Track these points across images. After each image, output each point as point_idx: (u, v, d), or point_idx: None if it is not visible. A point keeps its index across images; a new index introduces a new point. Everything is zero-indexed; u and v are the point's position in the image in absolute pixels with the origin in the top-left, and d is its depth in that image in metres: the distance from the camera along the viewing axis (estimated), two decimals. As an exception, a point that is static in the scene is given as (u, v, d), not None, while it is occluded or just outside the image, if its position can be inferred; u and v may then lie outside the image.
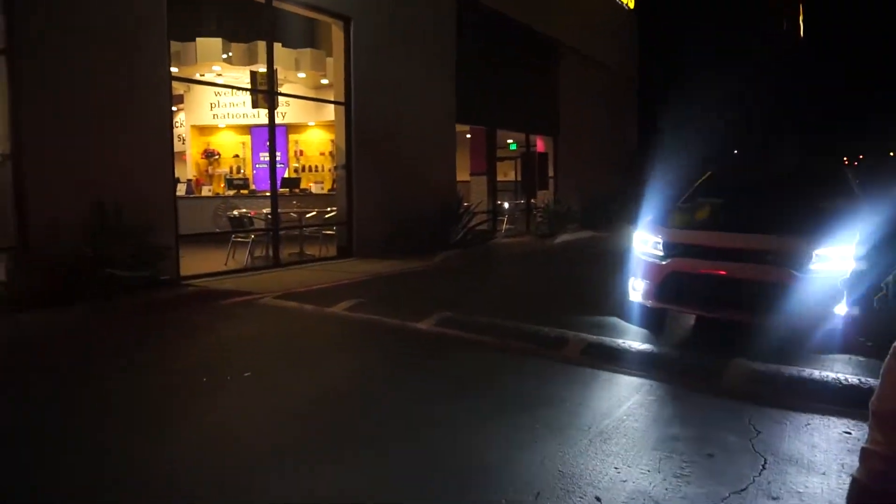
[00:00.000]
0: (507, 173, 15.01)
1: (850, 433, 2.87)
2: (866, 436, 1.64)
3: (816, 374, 3.66)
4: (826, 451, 2.72)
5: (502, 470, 2.52)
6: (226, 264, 7.67)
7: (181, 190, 9.73)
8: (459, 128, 11.55)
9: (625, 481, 2.43)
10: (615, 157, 17.50)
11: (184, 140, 12.31)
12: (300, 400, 3.39)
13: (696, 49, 26.15)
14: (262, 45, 9.09)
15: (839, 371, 3.74)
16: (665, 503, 2.27)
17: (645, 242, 4.98)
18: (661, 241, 4.88)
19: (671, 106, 22.73)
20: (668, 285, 4.77)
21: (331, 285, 6.75)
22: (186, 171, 12.18)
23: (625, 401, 3.31)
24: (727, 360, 3.81)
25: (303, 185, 11.36)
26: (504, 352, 4.22)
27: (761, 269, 4.41)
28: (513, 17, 12.38)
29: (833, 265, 4.18)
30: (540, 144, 14.87)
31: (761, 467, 2.54)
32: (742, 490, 2.36)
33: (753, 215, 4.90)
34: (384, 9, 9.30)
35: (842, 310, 4.11)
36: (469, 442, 2.81)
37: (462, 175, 12.39)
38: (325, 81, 11.00)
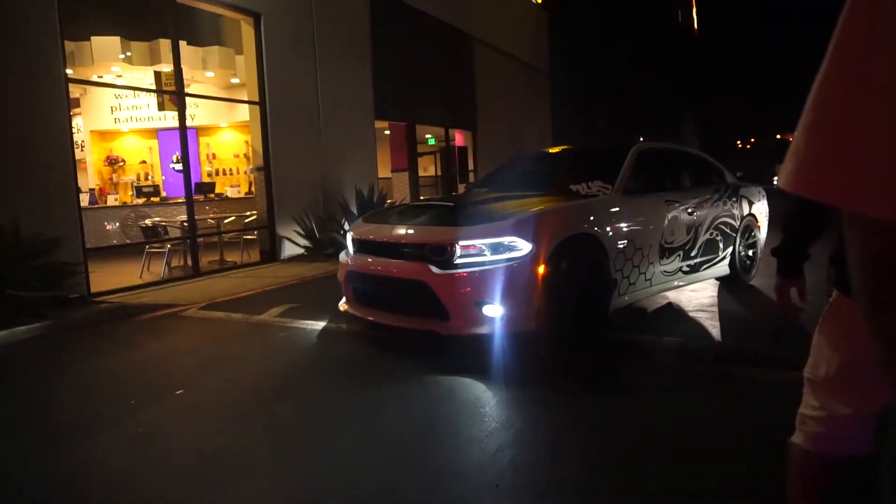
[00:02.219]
0: (428, 168, 15.06)
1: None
2: (802, 401, 1.75)
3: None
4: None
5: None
6: (141, 277, 7.24)
7: (84, 200, 9.09)
8: (379, 124, 11.46)
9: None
10: (532, 148, 17.93)
11: (83, 147, 11.51)
12: (239, 416, 3.24)
13: (601, 42, 27.15)
14: (165, 44, 8.64)
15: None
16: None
17: (349, 240, 4.64)
18: (352, 237, 4.59)
19: (581, 99, 23.52)
20: (350, 288, 4.45)
21: (257, 292, 6.52)
22: (88, 180, 11.39)
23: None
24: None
25: (218, 190, 10.91)
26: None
27: (405, 266, 3.97)
28: (426, 12, 12.40)
29: (485, 259, 3.73)
30: (459, 138, 15.01)
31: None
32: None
33: (451, 204, 4.49)
34: (296, 4, 9.05)
35: (494, 311, 3.70)
36: (414, 425, 2.79)
37: (384, 172, 12.31)
38: (235, 80, 10.59)
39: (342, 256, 4.67)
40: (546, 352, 3.98)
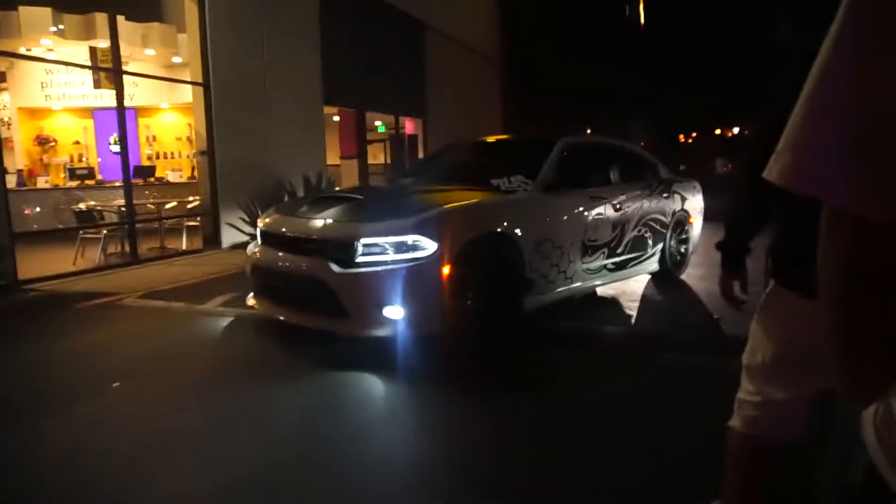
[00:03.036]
0: (377, 156, 14.91)
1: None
2: (739, 387, 1.82)
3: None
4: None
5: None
6: (74, 264, 6.90)
7: (11, 182, 8.59)
8: (328, 110, 11.25)
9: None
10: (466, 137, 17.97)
11: (9, 125, 10.86)
12: (177, 406, 3.14)
13: (552, 35, 27.43)
14: (101, 18, 8.22)
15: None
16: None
17: (258, 232, 4.47)
18: (260, 228, 4.42)
19: (533, 90, 23.73)
20: (256, 282, 4.30)
21: (200, 280, 6.31)
22: (15, 160, 10.76)
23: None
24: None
25: (159, 174, 10.49)
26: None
27: (306, 262, 3.80)
28: (377, -4, 12.21)
29: (388, 258, 3.57)
30: (409, 126, 14.90)
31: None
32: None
33: (362, 198, 4.30)
34: (241, -18, 8.74)
35: (396, 313, 3.54)
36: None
37: (333, 159, 12.11)
38: (177, 60, 10.17)
39: (250, 248, 4.47)
40: (453, 354, 3.76)
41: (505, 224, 4.02)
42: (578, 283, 4.66)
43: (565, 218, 4.48)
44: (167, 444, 2.69)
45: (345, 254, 3.63)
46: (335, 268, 3.60)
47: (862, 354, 0.69)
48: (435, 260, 3.57)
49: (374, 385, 3.47)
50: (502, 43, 20.44)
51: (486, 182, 4.55)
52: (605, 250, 4.83)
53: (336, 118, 12.79)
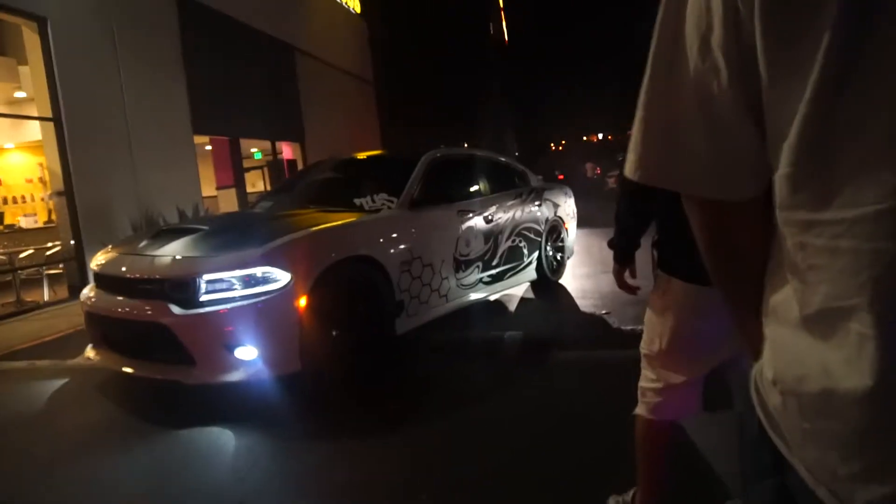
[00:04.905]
0: (256, 184, 14.38)
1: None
2: (640, 376, 1.93)
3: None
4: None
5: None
6: (-90, 330, 6.02)
7: None
8: (199, 139, 10.71)
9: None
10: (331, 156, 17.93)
11: None
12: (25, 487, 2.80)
13: (420, 54, 28.02)
14: (-76, 53, 7.30)
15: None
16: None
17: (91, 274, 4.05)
18: (92, 270, 3.98)
19: (407, 109, 24.06)
20: (91, 332, 3.85)
21: (68, 332, 5.73)
22: None
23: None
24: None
25: (9, 221, 9.47)
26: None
27: (144, 306, 3.38)
28: (242, 21, 11.85)
29: (235, 294, 3.23)
30: (287, 151, 14.54)
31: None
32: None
33: (206, 228, 3.90)
34: (89, 6, 8.12)
35: (248, 354, 3.20)
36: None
37: (209, 190, 11.53)
38: (21, 94, 9.25)
39: (84, 293, 3.98)
40: (317, 392, 3.50)
41: (367, 246, 3.80)
42: (455, 300, 4.53)
43: (433, 234, 4.34)
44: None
45: (186, 293, 3.25)
46: (176, 309, 3.22)
47: (746, 316, 0.77)
48: (288, 292, 3.26)
49: (222, 438, 3.10)
50: (375, 63, 20.58)
51: (348, 202, 4.35)
52: (480, 264, 4.74)
53: (208, 147, 12.20)
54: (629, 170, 0.79)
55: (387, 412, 3.24)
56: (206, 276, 3.24)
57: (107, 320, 3.62)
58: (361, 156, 5.54)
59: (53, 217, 8.79)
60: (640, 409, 1.88)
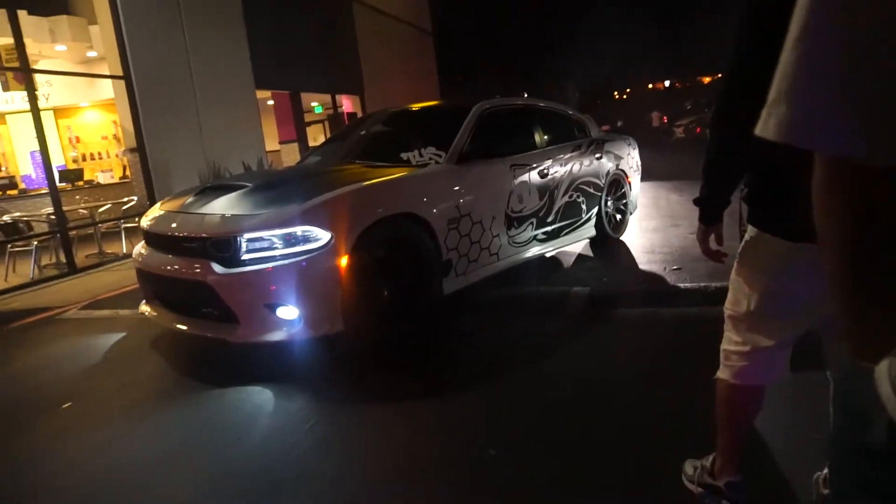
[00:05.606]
0: (317, 138, 14.52)
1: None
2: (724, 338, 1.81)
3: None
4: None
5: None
6: (6, 280, 6.46)
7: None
8: (261, 94, 10.83)
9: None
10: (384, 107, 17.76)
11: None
12: (134, 422, 2.96)
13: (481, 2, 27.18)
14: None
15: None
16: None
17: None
18: (142, 227, 3.99)
19: (466, 58, 23.53)
20: (143, 289, 3.92)
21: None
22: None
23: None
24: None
25: (88, 177, 9.94)
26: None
27: (188, 264, 3.38)
28: (299, -28, 11.74)
29: (276, 253, 3.19)
30: (347, 104, 14.55)
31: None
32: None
33: (250, 185, 3.80)
34: (153, -35, 8.21)
35: (290, 313, 3.19)
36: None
37: (272, 144, 11.73)
38: (93, 54, 9.56)
39: (135, 250, 4.03)
40: (361, 352, 3.49)
41: (411, 203, 3.65)
42: (507, 258, 4.36)
43: (484, 190, 4.12)
44: (125, 462, 2.53)
45: (227, 251, 3.23)
46: (218, 268, 3.21)
47: (871, 305, 0.64)
48: (329, 251, 3.19)
49: (264, 397, 3.10)
50: (433, 11, 20.10)
51: (395, 156, 4.18)
52: (534, 220, 4.54)
53: (270, 102, 12.35)
54: (773, 129, 0.62)
55: (444, 372, 3.23)
56: (247, 235, 3.21)
57: (156, 277, 3.66)
58: (412, 107, 5.29)
59: (128, 172, 9.15)
60: (722, 373, 1.77)
